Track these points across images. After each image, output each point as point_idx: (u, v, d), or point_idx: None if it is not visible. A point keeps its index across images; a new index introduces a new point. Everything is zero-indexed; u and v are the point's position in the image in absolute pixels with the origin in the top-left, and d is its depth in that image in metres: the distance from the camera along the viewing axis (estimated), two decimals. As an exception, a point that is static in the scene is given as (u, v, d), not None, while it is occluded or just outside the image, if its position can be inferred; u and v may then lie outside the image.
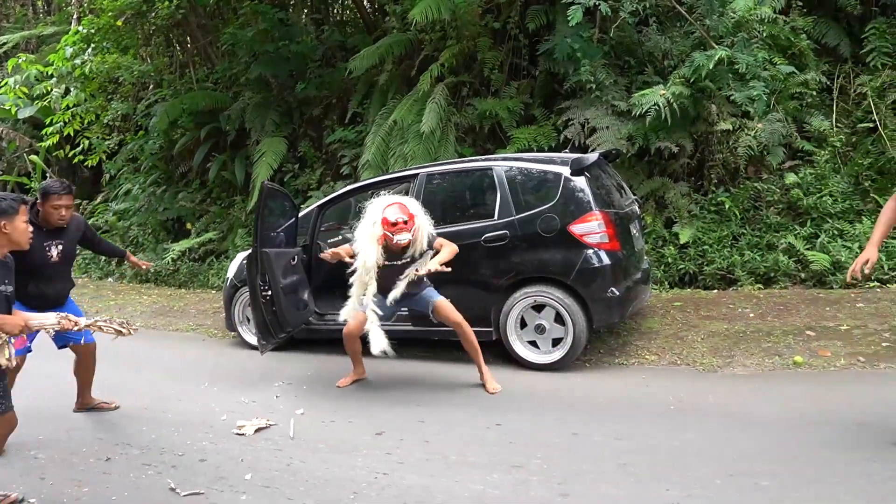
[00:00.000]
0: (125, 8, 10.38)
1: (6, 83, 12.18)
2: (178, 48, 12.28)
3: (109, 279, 10.46)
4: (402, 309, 4.96)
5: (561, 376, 4.91)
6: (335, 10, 12.04)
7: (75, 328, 3.40)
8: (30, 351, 4.09)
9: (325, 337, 5.73)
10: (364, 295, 4.58)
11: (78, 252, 4.85)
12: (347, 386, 5.01)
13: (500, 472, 3.43)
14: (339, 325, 5.59)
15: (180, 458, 3.83)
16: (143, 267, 5.13)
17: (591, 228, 4.89)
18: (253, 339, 5.91)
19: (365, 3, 10.66)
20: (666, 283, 6.97)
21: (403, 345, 5.59)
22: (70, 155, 12.02)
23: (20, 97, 11.90)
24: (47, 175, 12.88)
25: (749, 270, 6.66)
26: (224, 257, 9.49)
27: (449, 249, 4.62)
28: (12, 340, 3.21)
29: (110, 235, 10.96)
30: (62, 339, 4.12)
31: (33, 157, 12.83)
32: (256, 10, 9.97)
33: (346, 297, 5.97)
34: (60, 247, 4.26)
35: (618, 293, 4.93)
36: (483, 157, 6.37)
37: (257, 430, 4.13)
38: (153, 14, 10.59)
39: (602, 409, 4.25)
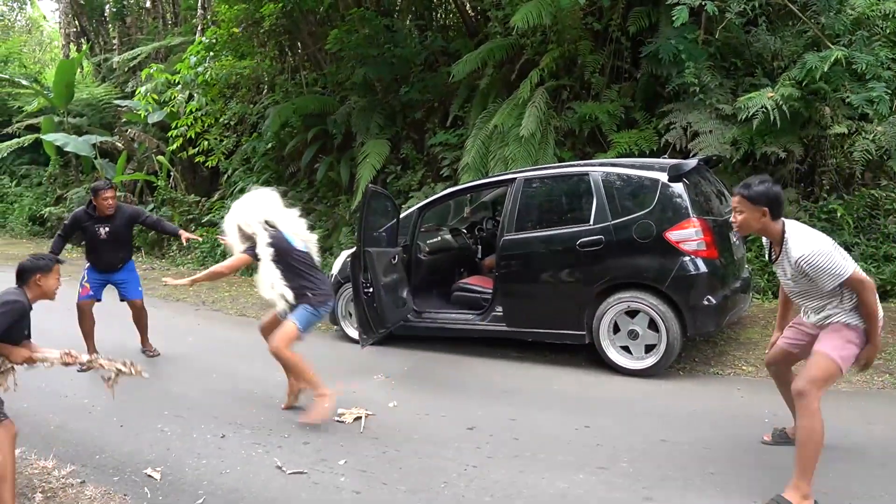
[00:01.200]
0: (240, 15, 11.12)
1: (139, 91, 13.31)
2: (289, 54, 12.96)
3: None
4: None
5: (653, 383, 4.91)
6: (438, 16, 12.33)
7: (77, 363, 3.62)
8: (99, 300, 5.86)
9: (422, 334, 5.98)
10: None
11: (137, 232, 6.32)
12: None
13: (586, 473, 3.52)
14: (436, 324, 5.85)
15: (286, 439, 4.15)
16: (193, 238, 6.28)
17: (688, 235, 4.86)
18: (354, 333, 6.24)
19: (467, 8, 10.89)
20: (770, 293, 6.75)
21: (497, 344, 5.78)
22: (191, 156, 12.97)
23: (150, 103, 12.95)
24: (171, 174, 13.95)
25: (862, 282, 6.34)
26: (329, 254, 9.95)
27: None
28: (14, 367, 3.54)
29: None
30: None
31: (160, 157, 13.92)
32: (363, 16, 10.40)
33: (444, 296, 6.24)
34: (107, 228, 5.78)
35: (714, 302, 4.87)
36: (580, 162, 6.41)
37: (356, 419, 4.40)
38: (265, 21, 11.25)
39: (693, 418, 4.23)
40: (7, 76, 16.91)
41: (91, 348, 5.72)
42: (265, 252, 4.35)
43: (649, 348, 5.04)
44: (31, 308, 3.50)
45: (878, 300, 3.07)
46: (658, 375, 4.98)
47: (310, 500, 3.37)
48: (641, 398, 4.64)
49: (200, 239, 6.84)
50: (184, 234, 6.12)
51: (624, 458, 3.67)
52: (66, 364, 3.62)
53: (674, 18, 6.71)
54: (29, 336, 3.58)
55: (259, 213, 4.49)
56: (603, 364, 5.21)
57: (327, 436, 4.17)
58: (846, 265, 2.97)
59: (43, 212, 15.61)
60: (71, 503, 3.45)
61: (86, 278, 5.90)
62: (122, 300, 6.03)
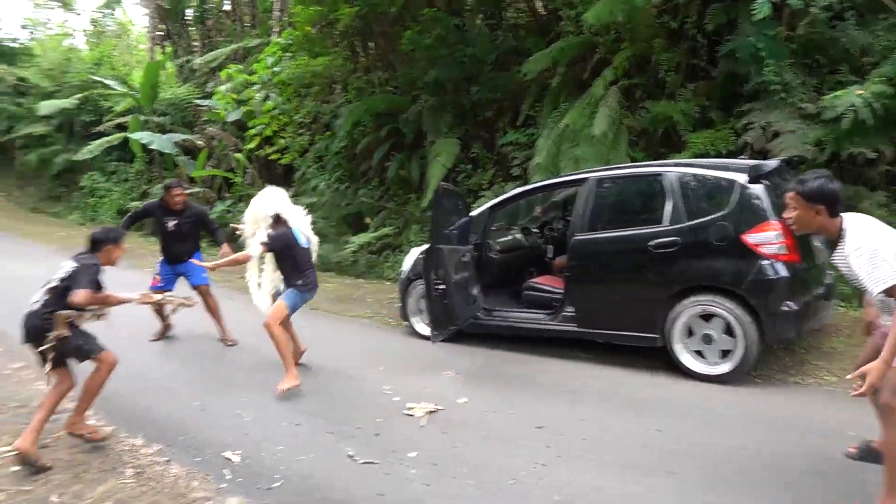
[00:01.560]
0: (315, 16, 11.40)
1: (218, 90, 13.86)
2: (361, 54, 13.20)
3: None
4: None
5: (728, 389, 4.78)
6: (508, 14, 12.32)
7: (151, 302, 4.64)
8: (170, 290, 6.22)
9: (491, 332, 6.01)
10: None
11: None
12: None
13: (657, 477, 3.48)
14: (506, 322, 5.87)
15: (358, 430, 4.26)
16: (230, 256, 6.18)
17: (768, 238, 4.71)
18: (424, 330, 6.33)
19: (538, 6, 10.84)
20: (856, 300, 6.45)
21: (565, 345, 5.76)
22: (267, 153, 13.39)
23: (230, 102, 13.45)
24: (248, 171, 14.44)
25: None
26: (399, 251, 10.12)
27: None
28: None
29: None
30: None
31: (238, 155, 14.44)
32: (434, 16, 10.49)
33: (514, 295, 6.26)
34: (175, 222, 6.45)
35: (795, 307, 4.71)
36: (654, 162, 6.30)
37: (426, 413, 4.47)
38: (340, 22, 11.50)
39: (772, 427, 4.10)
40: (100, 78, 17.86)
41: (164, 328, 6.59)
42: (272, 244, 5.04)
43: (724, 353, 4.91)
44: (102, 270, 4.18)
45: None
46: (733, 382, 4.85)
47: (381, 490, 3.46)
48: (715, 404, 4.54)
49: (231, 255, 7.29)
50: (224, 249, 6.45)
51: (697, 464, 3.60)
52: (143, 303, 4.53)
53: (754, 13, 6.52)
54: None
55: (274, 207, 5.15)
56: (674, 368, 5.11)
57: (398, 429, 4.26)
58: (884, 275, 2.70)
59: (129, 206, 16.38)
60: (158, 479, 3.65)
61: (158, 271, 6.55)
62: (192, 288, 6.46)
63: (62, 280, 3.95)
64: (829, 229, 2.97)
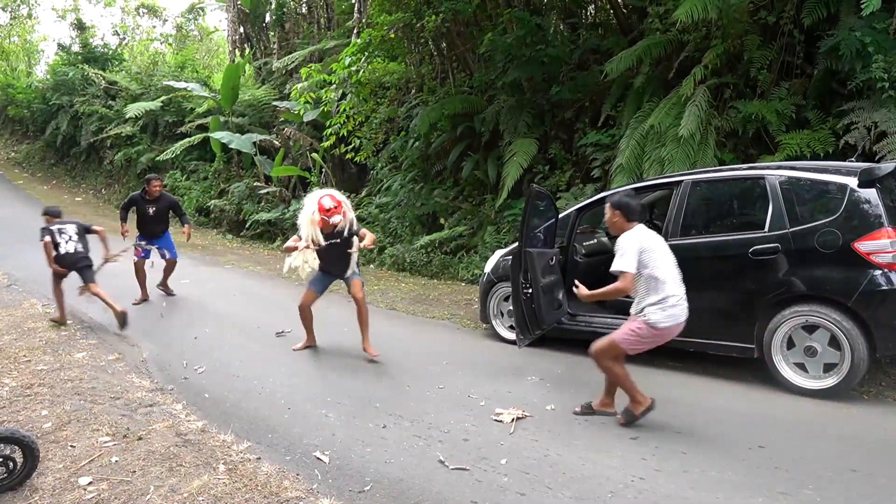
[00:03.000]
0: (398, 21, 11.44)
1: (295, 88, 14.12)
2: (437, 55, 13.20)
3: (371, 265, 11.64)
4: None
5: (833, 405, 4.51)
6: (589, 14, 12.08)
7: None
8: (147, 258, 8.28)
9: (574, 337, 5.86)
10: (309, 270, 5.81)
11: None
12: (300, 350, 6.19)
13: (766, 497, 3.29)
14: (591, 327, 5.71)
15: (446, 434, 4.21)
16: (187, 234, 8.74)
17: (882, 247, 4.41)
18: (505, 332, 6.24)
19: (620, 4, 10.57)
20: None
21: (653, 352, 5.54)
22: (343, 153, 13.56)
23: (308, 101, 13.69)
24: (323, 170, 14.67)
25: None
26: (473, 252, 10.06)
27: (371, 234, 5.89)
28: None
29: (372, 226, 12.17)
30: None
31: (314, 154, 14.69)
32: (516, 16, 10.36)
33: (599, 301, 6.08)
34: (154, 208, 8.26)
35: (910, 321, 4.39)
36: (753, 164, 6.02)
37: (514, 420, 4.38)
38: (421, 26, 11.51)
39: (886, 448, 3.84)
40: (183, 85, 18.53)
41: (144, 292, 8.33)
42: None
43: (828, 367, 4.64)
44: None
45: None
46: (839, 398, 4.57)
47: (475, 498, 3.39)
48: (819, 421, 4.29)
49: (188, 238, 9.08)
50: (186, 229, 8.72)
51: (808, 485, 3.39)
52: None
53: (863, 6, 6.15)
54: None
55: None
56: (767, 380, 4.88)
57: (486, 434, 4.19)
58: None
59: (209, 204, 16.95)
60: (250, 477, 3.68)
61: (138, 243, 8.25)
62: (162, 258, 8.44)
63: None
64: None
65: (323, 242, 5.57)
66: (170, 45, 28.27)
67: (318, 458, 3.90)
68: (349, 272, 5.90)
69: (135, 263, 8.21)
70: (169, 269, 8.60)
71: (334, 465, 3.83)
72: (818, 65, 7.46)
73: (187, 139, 17.67)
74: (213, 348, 6.30)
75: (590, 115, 9.98)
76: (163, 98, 19.78)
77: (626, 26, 10.18)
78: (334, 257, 5.76)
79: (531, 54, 10.13)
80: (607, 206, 4.30)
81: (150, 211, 8.27)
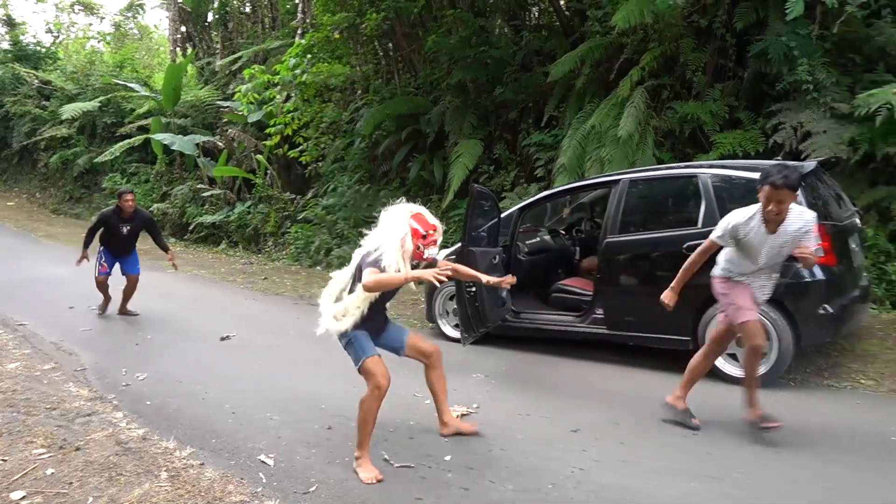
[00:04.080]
0: (341, 21, 11.42)
1: (239, 89, 13.92)
2: (382, 55, 13.21)
3: (318, 267, 11.56)
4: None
5: (761, 393, 4.67)
6: (532, 16, 12.27)
7: None
8: (110, 275, 7.56)
9: (519, 335, 5.97)
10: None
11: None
12: None
13: (699, 482, 3.42)
14: (534, 325, 5.82)
15: (391, 433, 4.23)
16: (173, 262, 7.80)
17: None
18: (451, 332, 6.31)
19: (562, 7, 10.77)
20: (888, 302, 6.35)
21: (593, 347, 5.71)
22: (287, 153, 13.43)
23: (252, 102, 13.51)
24: (269, 172, 14.49)
25: None
26: (420, 252, 10.07)
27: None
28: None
29: (319, 227, 12.09)
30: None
31: (258, 156, 14.50)
32: (459, 17, 10.46)
33: (541, 297, 6.20)
34: (128, 227, 7.44)
35: (831, 311, 4.64)
36: (687, 163, 6.23)
37: (459, 416, 4.44)
38: (364, 26, 11.51)
39: (810, 432, 4.03)
40: (122, 81, 18.03)
41: (106, 304, 7.75)
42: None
43: (758, 357, 4.83)
44: None
45: None
46: (768, 385, 4.76)
47: (419, 494, 3.42)
48: (751, 408, 4.46)
49: (176, 268, 8.28)
50: (171, 255, 7.80)
51: (738, 468, 3.54)
52: None
53: (787, 12, 6.44)
54: None
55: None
56: (708, 371, 5.04)
57: (431, 432, 4.23)
58: None
59: (150, 207, 16.53)
60: (193, 483, 3.63)
61: (103, 259, 7.53)
62: (123, 274, 7.65)
63: None
64: None
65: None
66: (108, 43, 27.40)
67: (263, 462, 3.87)
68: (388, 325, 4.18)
69: (96, 279, 7.56)
70: (130, 290, 7.71)
71: (279, 467, 3.81)
72: (749, 67, 7.78)
73: (127, 141, 17.22)
74: (155, 355, 6.17)
75: (533, 116, 10.16)
76: (101, 98, 19.20)
77: (568, 29, 10.40)
78: (381, 307, 4.04)
79: (475, 55, 10.25)
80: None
81: (124, 230, 7.45)
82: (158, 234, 7.96)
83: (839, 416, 4.30)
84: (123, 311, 7.74)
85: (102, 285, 7.62)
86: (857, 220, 5.55)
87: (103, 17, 29.69)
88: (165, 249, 7.86)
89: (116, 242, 7.52)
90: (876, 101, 6.10)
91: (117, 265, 7.63)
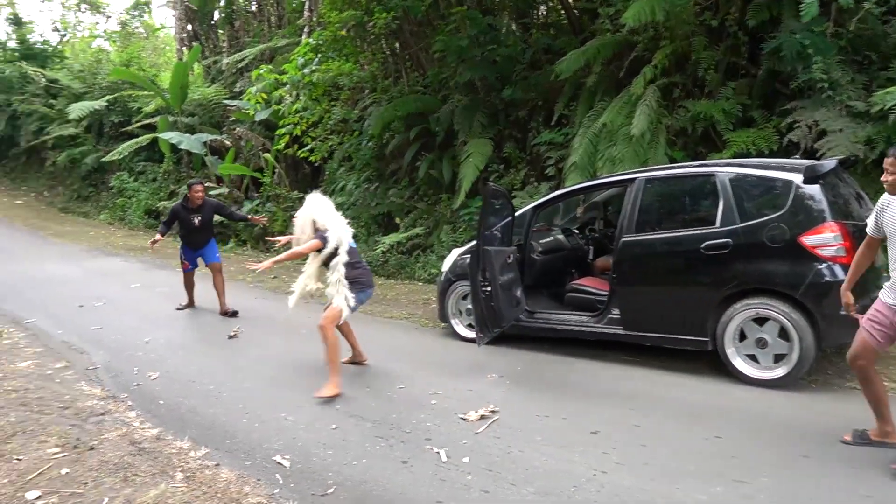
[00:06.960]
0: (349, 19, 11.35)
1: (248, 91, 13.88)
2: (390, 54, 13.15)
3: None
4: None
5: (783, 395, 4.65)
6: (541, 14, 12.20)
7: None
8: (196, 267, 7.80)
9: (533, 334, 5.91)
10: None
11: (217, 221, 8.30)
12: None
13: (724, 486, 3.37)
14: (549, 324, 5.78)
15: (408, 434, 4.19)
16: (261, 221, 8.36)
17: (826, 240, 4.58)
18: (464, 331, 6.26)
19: (571, 4, 10.70)
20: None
21: (608, 347, 5.65)
22: (296, 153, 13.38)
23: (260, 102, 13.46)
24: (276, 171, 14.45)
25: None
26: (430, 252, 10.05)
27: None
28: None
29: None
30: None
31: (266, 154, 14.46)
32: (467, 16, 10.39)
33: (555, 297, 6.15)
34: (199, 218, 7.50)
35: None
36: (704, 162, 6.17)
37: (479, 418, 4.38)
38: (371, 24, 11.44)
39: (834, 434, 3.96)
40: (129, 79, 18.01)
41: (191, 300, 7.93)
42: (335, 240, 5.02)
43: (778, 358, 4.79)
44: None
45: None
46: (788, 387, 4.73)
47: (439, 497, 3.38)
48: (772, 410, 4.41)
49: (265, 220, 8.84)
50: (253, 218, 8.15)
51: (763, 473, 3.49)
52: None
53: (801, 13, 6.37)
54: None
55: (329, 211, 5.17)
56: (721, 372, 5.01)
57: (449, 433, 4.18)
58: None
59: (157, 205, 16.54)
60: (209, 484, 3.59)
61: (183, 257, 7.74)
62: (206, 265, 7.76)
63: None
64: None
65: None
66: (114, 42, 27.41)
67: (279, 463, 3.84)
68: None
69: (184, 274, 7.83)
70: (219, 283, 7.64)
71: (295, 468, 3.77)
72: (762, 65, 7.70)
73: (135, 140, 17.18)
74: (165, 353, 6.14)
75: (543, 115, 10.08)
76: (108, 97, 19.19)
77: (578, 27, 10.32)
78: None
79: (484, 54, 10.18)
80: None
81: (196, 221, 7.51)
82: (231, 211, 8.08)
83: (864, 418, 4.22)
84: (224, 311, 7.59)
85: (187, 283, 7.80)
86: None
87: (109, 16, 29.76)
88: (246, 219, 8.29)
89: (191, 235, 7.62)
90: (892, 99, 6.03)
91: (199, 260, 7.80)
